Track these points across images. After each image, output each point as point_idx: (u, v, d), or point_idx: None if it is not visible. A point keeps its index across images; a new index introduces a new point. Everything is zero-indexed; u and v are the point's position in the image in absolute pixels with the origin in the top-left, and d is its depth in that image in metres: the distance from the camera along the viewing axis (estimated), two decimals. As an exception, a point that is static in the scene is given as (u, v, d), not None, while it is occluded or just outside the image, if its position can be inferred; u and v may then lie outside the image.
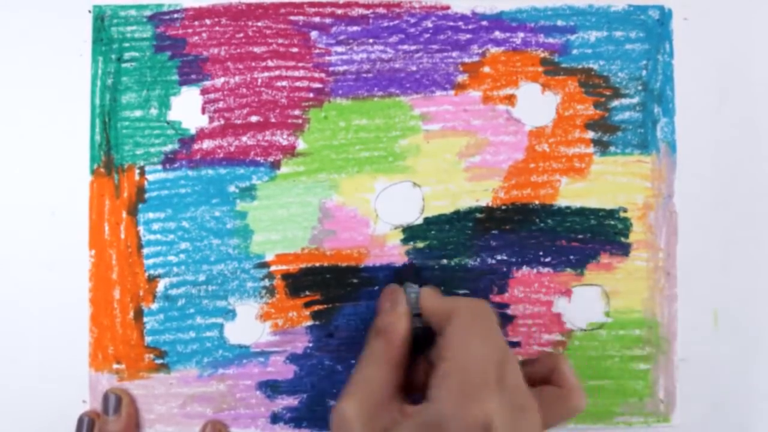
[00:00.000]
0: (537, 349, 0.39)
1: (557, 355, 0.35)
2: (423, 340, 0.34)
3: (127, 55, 0.39)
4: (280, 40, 0.39)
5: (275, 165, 0.39)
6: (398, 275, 0.38)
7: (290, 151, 0.39)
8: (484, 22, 0.39)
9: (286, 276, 0.39)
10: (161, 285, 0.39)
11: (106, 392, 0.38)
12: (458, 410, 0.28)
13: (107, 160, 0.39)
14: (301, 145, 0.39)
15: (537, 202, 0.39)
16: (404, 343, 0.33)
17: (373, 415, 0.30)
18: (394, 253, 0.39)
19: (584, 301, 0.39)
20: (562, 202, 0.39)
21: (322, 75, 0.39)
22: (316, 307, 0.39)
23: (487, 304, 0.32)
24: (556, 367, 0.33)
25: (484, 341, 0.30)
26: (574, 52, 0.39)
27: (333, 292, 0.39)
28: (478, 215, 0.39)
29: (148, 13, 0.39)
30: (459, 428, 0.28)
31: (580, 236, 0.39)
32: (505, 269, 0.39)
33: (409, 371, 0.33)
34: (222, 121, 0.39)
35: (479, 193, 0.39)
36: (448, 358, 0.30)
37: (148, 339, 0.39)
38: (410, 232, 0.39)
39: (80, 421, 0.38)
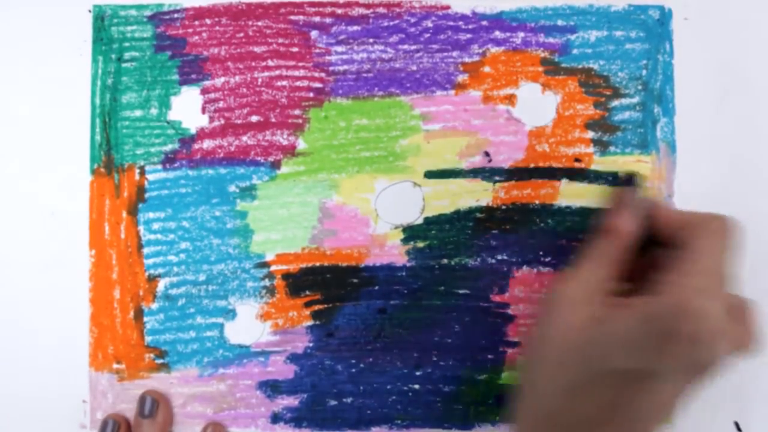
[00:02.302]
0: (537, 349, 0.39)
1: (746, 299, 0.34)
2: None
3: (127, 55, 0.39)
4: (281, 40, 0.39)
5: (275, 165, 0.39)
6: (624, 182, 0.38)
7: (290, 151, 0.39)
8: (485, 22, 0.39)
9: (287, 276, 0.39)
10: (161, 285, 0.39)
11: (142, 394, 0.38)
12: (695, 307, 0.28)
13: (107, 159, 0.39)
14: (301, 144, 0.39)
15: (537, 201, 0.39)
16: (632, 247, 0.34)
17: (587, 301, 0.31)
18: (394, 252, 0.39)
19: (584, 301, 0.39)
20: (562, 202, 0.39)
21: (323, 75, 0.39)
22: (317, 307, 0.39)
23: (734, 222, 0.32)
24: (742, 306, 0.33)
25: (727, 256, 0.31)
26: (574, 51, 0.39)
27: (333, 291, 0.39)
28: (479, 215, 0.39)
29: (148, 12, 0.39)
30: (691, 326, 0.28)
31: (580, 236, 0.39)
32: (505, 269, 0.39)
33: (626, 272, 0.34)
34: (222, 121, 0.39)
35: (479, 193, 0.39)
36: (690, 258, 0.30)
37: (148, 339, 0.39)
38: (410, 232, 0.39)
39: (104, 423, 0.38)
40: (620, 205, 0.35)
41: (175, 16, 0.39)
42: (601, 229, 0.34)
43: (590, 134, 0.39)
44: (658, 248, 0.35)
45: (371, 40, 0.39)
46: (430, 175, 0.39)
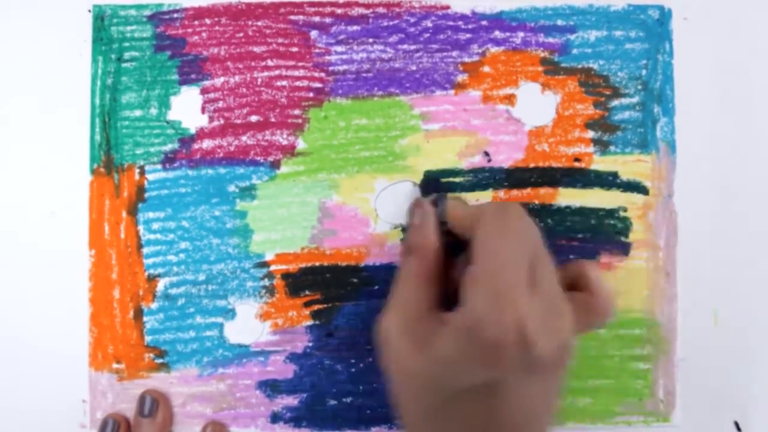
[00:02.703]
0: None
1: (584, 261, 0.34)
2: (458, 246, 0.33)
3: (127, 55, 0.39)
4: (280, 40, 0.39)
5: (275, 165, 0.39)
6: (423, 187, 0.38)
7: (290, 151, 0.39)
8: (484, 22, 0.39)
9: (286, 275, 0.39)
10: (161, 284, 0.39)
11: (142, 394, 0.38)
12: (491, 314, 0.28)
13: (107, 159, 0.39)
14: (301, 144, 0.39)
15: (537, 201, 0.39)
16: (436, 257, 0.33)
17: (413, 328, 0.31)
18: (394, 252, 0.39)
19: (584, 301, 0.39)
20: (562, 201, 0.39)
21: (322, 75, 0.39)
22: (316, 307, 0.39)
23: (517, 205, 0.31)
24: (583, 273, 0.33)
25: (512, 244, 0.29)
26: (574, 51, 0.39)
27: (333, 291, 0.39)
28: (478, 215, 0.39)
29: (148, 12, 0.39)
30: (493, 331, 0.27)
31: (579, 236, 0.39)
32: (505, 269, 0.39)
33: (446, 280, 0.33)
34: (222, 121, 0.39)
35: (479, 192, 0.39)
36: (477, 262, 0.29)
37: (148, 338, 0.39)
38: (410, 232, 0.39)
39: (104, 423, 0.38)
40: (417, 219, 0.34)
41: (175, 16, 0.39)
42: (403, 250, 0.34)
43: (590, 134, 0.39)
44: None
45: (371, 40, 0.39)
46: (430, 174, 0.39)
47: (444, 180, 0.39)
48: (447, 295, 0.33)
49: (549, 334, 0.28)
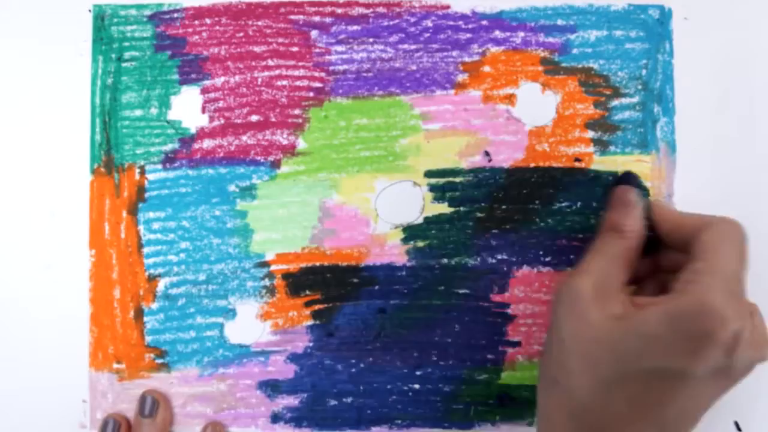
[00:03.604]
0: (537, 349, 0.39)
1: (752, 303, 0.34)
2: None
3: (127, 55, 0.39)
4: (280, 40, 0.39)
5: (275, 164, 0.39)
6: (620, 181, 0.37)
7: (290, 151, 0.39)
8: (484, 22, 0.39)
9: (287, 275, 0.39)
10: (161, 284, 0.39)
11: (143, 394, 0.38)
12: (725, 309, 0.28)
13: (107, 159, 0.39)
14: (301, 144, 0.39)
15: (537, 201, 0.39)
16: (638, 244, 0.33)
17: (605, 298, 0.31)
18: (395, 252, 0.39)
19: (584, 301, 0.39)
20: (562, 201, 0.39)
21: (322, 74, 0.39)
22: (317, 307, 0.39)
23: (742, 226, 0.32)
24: (753, 311, 0.33)
25: (742, 254, 0.31)
26: (574, 51, 0.39)
27: (333, 291, 0.39)
28: (479, 215, 0.39)
29: (148, 12, 0.39)
30: (714, 325, 0.28)
31: (580, 235, 0.39)
32: (505, 269, 0.39)
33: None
34: (222, 121, 0.39)
35: (479, 192, 0.39)
36: (708, 258, 0.30)
37: (148, 338, 0.39)
38: (410, 232, 0.39)
39: (104, 423, 0.38)
40: (625, 204, 0.35)
41: (175, 15, 0.39)
42: (607, 228, 0.34)
43: (590, 134, 0.39)
44: (660, 251, 0.35)
45: (371, 40, 0.39)
46: (430, 174, 0.39)
47: (450, 179, 0.39)
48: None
49: (752, 350, 0.29)
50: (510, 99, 0.39)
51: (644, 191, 0.37)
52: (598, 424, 0.30)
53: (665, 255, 0.35)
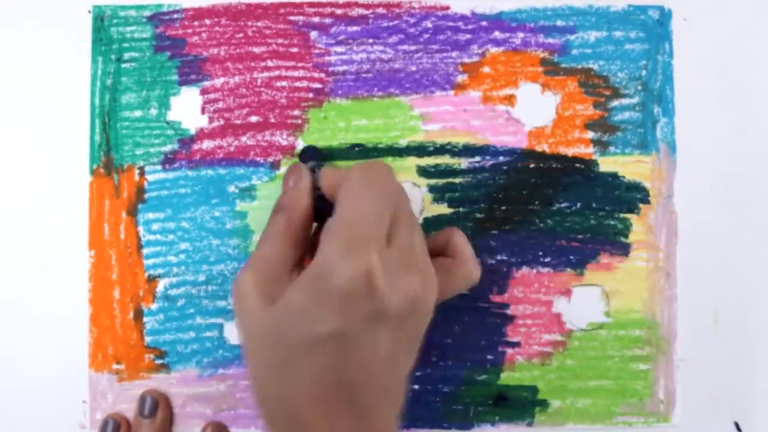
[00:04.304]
0: (537, 349, 0.39)
1: (452, 228, 0.35)
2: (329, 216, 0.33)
3: (126, 55, 0.39)
4: (280, 40, 0.39)
5: (275, 165, 0.39)
6: (300, 157, 0.38)
7: (290, 151, 0.39)
8: (484, 23, 0.39)
9: (286, 276, 0.39)
10: (161, 285, 0.39)
11: (143, 394, 0.38)
12: (341, 260, 0.28)
13: (107, 160, 0.39)
14: (300, 145, 0.39)
15: (537, 202, 0.39)
16: (304, 219, 0.33)
17: (268, 285, 0.30)
18: (394, 253, 0.39)
19: (584, 301, 0.39)
20: (561, 202, 0.39)
21: (322, 75, 0.39)
22: (316, 308, 0.39)
23: (383, 165, 0.32)
24: (450, 240, 0.34)
25: (372, 199, 0.30)
26: (574, 52, 0.39)
27: (333, 292, 0.39)
28: (478, 215, 0.39)
29: (147, 13, 0.39)
30: (342, 277, 0.27)
31: (579, 236, 0.39)
32: (505, 269, 0.39)
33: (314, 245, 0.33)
34: (222, 121, 0.39)
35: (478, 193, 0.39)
36: (337, 212, 0.30)
37: (148, 339, 0.39)
38: (410, 232, 0.39)
39: (104, 423, 0.38)
40: (285, 181, 0.34)
41: (175, 16, 0.39)
42: (274, 209, 0.34)
43: (590, 134, 0.39)
44: None
45: (371, 41, 0.39)
46: (430, 175, 0.39)
47: (450, 180, 0.39)
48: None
49: (398, 287, 0.28)
50: (510, 100, 0.39)
51: (320, 162, 0.37)
52: (289, 411, 0.29)
53: None
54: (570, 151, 0.39)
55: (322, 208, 0.33)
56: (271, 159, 0.39)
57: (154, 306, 0.39)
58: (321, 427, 0.29)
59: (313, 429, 0.29)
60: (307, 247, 0.33)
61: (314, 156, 0.37)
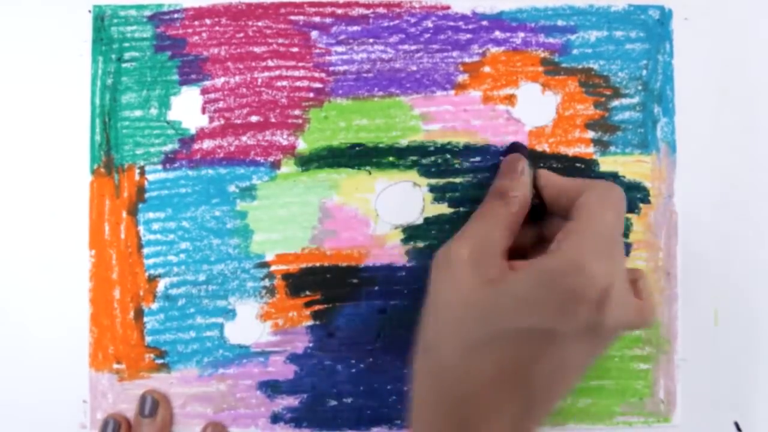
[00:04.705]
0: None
1: (641, 270, 0.35)
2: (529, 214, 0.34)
3: (127, 55, 0.39)
4: (281, 40, 0.39)
5: (275, 165, 0.39)
6: (511, 150, 0.38)
7: (290, 151, 0.39)
8: (485, 22, 0.39)
9: (287, 276, 0.39)
10: (161, 285, 0.39)
11: (143, 394, 0.38)
12: (592, 266, 0.28)
13: (107, 160, 0.39)
14: (301, 145, 0.39)
15: (537, 201, 0.39)
16: (524, 208, 0.33)
17: (482, 262, 0.31)
18: (395, 253, 0.39)
19: (584, 301, 0.39)
20: (562, 202, 0.39)
21: (323, 75, 0.39)
22: (317, 307, 0.39)
23: (621, 189, 0.32)
24: (640, 278, 0.33)
25: (618, 216, 0.31)
26: (575, 51, 0.39)
27: (333, 291, 0.39)
28: (479, 215, 0.39)
29: (148, 13, 0.39)
30: (581, 282, 0.28)
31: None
32: (505, 269, 0.39)
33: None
34: (222, 121, 0.39)
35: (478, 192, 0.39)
36: (582, 218, 0.30)
37: (148, 339, 0.39)
38: (410, 232, 0.39)
39: (104, 423, 0.38)
40: (512, 170, 0.35)
41: (175, 16, 0.39)
42: (493, 193, 0.34)
43: (590, 134, 0.39)
44: (545, 218, 0.35)
45: (371, 40, 0.39)
46: (430, 175, 0.39)
47: (450, 180, 0.39)
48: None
49: (624, 309, 0.29)
50: (510, 99, 0.39)
51: (532, 162, 0.37)
52: (463, 387, 0.30)
53: (550, 222, 0.35)
54: (570, 151, 0.39)
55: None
56: (271, 159, 0.39)
57: (154, 306, 0.39)
58: (486, 413, 0.29)
59: (478, 412, 0.29)
60: (516, 236, 0.33)
61: (524, 152, 0.37)
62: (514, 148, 0.38)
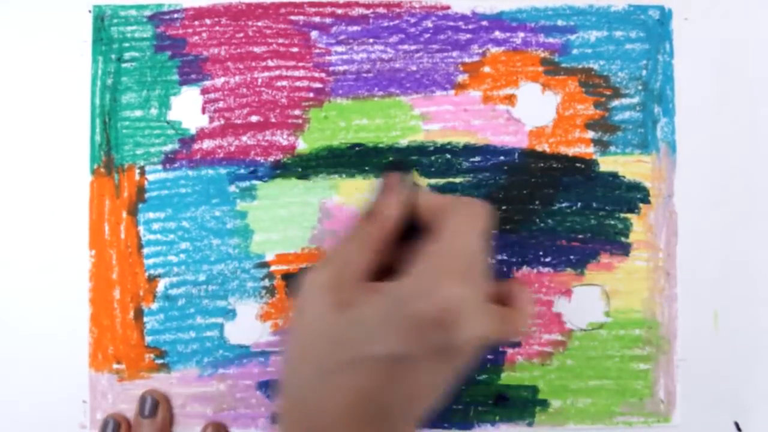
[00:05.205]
0: (537, 349, 0.39)
1: (516, 281, 0.35)
2: (405, 233, 0.33)
3: (127, 55, 0.39)
4: (281, 40, 0.39)
5: (275, 165, 0.39)
6: (393, 167, 0.37)
7: (290, 151, 0.39)
8: (485, 22, 0.39)
9: (287, 276, 0.39)
10: (161, 285, 0.39)
11: (143, 394, 0.38)
12: (433, 289, 0.28)
13: (107, 160, 0.39)
14: (301, 145, 0.39)
15: (537, 202, 0.39)
16: (394, 231, 0.32)
17: (342, 288, 0.30)
18: (395, 253, 0.39)
19: (584, 301, 0.39)
20: (562, 201, 0.39)
21: (323, 75, 0.39)
22: (317, 307, 0.39)
23: (489, 208, 0.31)
24: (512, 291, 0.33)
25: (476, 239, 0.30)
26: (575, 52, 0.39)
27: (333, 292, 0.39)
28: (479, 215, 0.39)
29: (148, 13, 0.39)
30: (429, 307, 0.27)
31: (580, 236, 0.39)
32: (505, 269, 0.39)
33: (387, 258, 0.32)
34: (222, 121, 0.39)
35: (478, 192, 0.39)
36: (439, 239, 0.30)
37: (148, 339, 0.38)
38: (410, 232, 0.39)
39: (104, 423, 0.38)
40: (383, 189, 0.33)
41: (175, 16, 0.39)
42: (363, 213, 0.33)
43: (590, 134, 0.39)
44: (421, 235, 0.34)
45: (371, 41, 0.39)
46: (430, 175, 0.39)
47: (450, 180, 0.39)
48: (384, 272, 0.32)
49: (477, 328, 0.28)
50: (510, 99, 0.39)
51: (414, 183, 0.36)
52: (318, 420, 0.29)
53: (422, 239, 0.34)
54: (570, 151, 0.39)
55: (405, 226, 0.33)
56: (271, 159, 0.39)
57: (154, 306, 0.39)
58: None
59: None
60: (385, 258, 0.32)
61: (405, 171, 0.37)
62: (395, 165, 0.37)
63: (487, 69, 0.39)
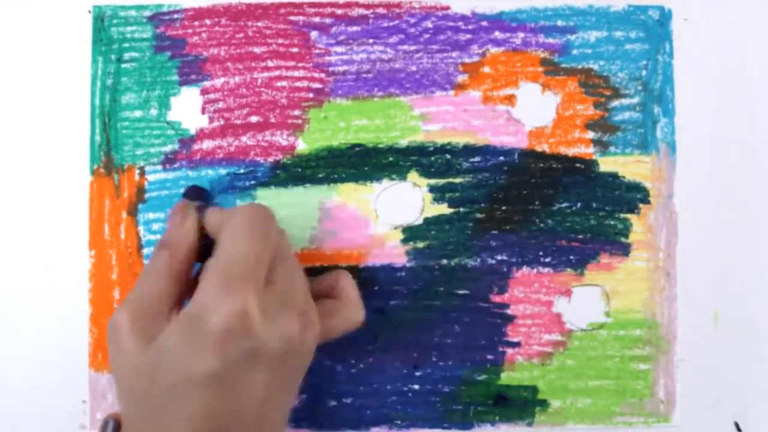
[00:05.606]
0: (537, 349, 0.39)
1: (340, 271, 0.36)
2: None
3: (127, 56, 0.39)
4: (280, 41, 0.39)
5: (276, 165, 0.39)
6: (187, 196, 0.38)
7: (290, 152, 0.39)
8: (484, 23, 0.39)
9: (286, 276, 0.39)
10: (161, 285, 0.39)
11: None
12: (218, 299, 0.28)
13: (107, 160, 0.39)
14: (301, 145, 0.39)
15: (537, 202, 0.39)
16: (187, 257, 0.32)
17: (144, 323, 0.30)
18: (394, 253, 0.39)
19: (584, 301, 0.39)
20: (562, 202, 0.39)
21: (322, 75, 0.39)
22: (316, 308, 0.39)
23: (266, 209, 0.32)
24: (336, 282, 0.35)
25: (251, 240, 0.30)
26: (574, 52, 0.39)
27: (333, 292, 0.39)
28: (478, 215, 0.39)
29: (148, 13, 0.39)
30: (218, 316, 0.28)
31: (580, 236, 0.39)
32: (505, 269, 0.39)
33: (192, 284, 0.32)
34: (222, 122, 0.39)
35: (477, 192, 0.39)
36: (218, 253, 0.30)
37: (148, 339, 0.38)
38: (410, 232, 0.39)
39: (104, 423, 0.38)
40: (173, 218, 0.34)
41: (175, 16, 0.39)
42: (157, 244, 0.33)
43: (590, 135, 0.39)
44: None
45: (371, 41, 0.39)
46: (430, 175, 0.39)
47: (450, 180, 0.39)
48: None
49: (276, 326, 0.29)
50: (510, 100, 0.39)
51: (206, 201, 0.37)
52: None
53: None
54: (570, 151, 0.39)
55: (206, 248, 0.32)
56: (271, 159, 0.39)
57: (154, 306, 0.39)
58: None
59: None
60: (189, 287, 0.32)
61: (201, 196, 0.38)
62: (185, 193, 0.38)
63: (486, 69, 0.39)
